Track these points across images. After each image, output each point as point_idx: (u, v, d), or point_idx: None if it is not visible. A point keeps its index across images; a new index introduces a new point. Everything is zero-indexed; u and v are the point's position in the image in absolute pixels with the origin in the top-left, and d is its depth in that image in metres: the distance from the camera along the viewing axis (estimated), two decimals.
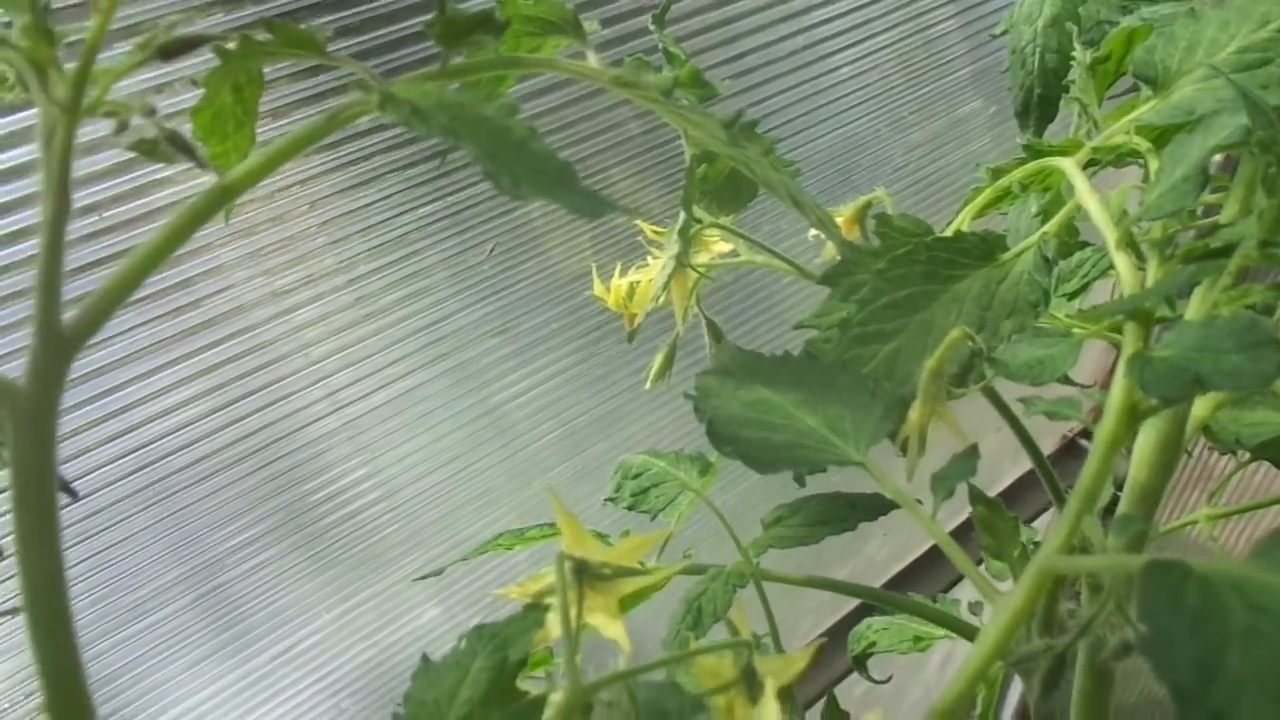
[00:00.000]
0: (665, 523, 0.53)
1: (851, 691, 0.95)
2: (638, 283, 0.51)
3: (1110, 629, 0.32)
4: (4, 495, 0.23)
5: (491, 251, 0.68)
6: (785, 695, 0.31)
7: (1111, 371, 1.17)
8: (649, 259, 0.52)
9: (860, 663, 0.71)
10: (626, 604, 0.34)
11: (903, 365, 0.41)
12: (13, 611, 0.32)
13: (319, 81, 0.59)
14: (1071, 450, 1.34)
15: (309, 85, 0.59)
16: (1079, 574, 0.40)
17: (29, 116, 0.51)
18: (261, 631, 0.74)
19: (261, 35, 0.30)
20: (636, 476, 0.55)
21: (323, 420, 0.70)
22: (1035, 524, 0.71)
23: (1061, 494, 0.51)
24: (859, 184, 0.97)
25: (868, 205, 0.52)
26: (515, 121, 0.25)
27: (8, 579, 0.61)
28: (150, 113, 0.24)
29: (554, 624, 0.30)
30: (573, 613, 0.29)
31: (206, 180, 0.26)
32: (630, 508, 0.54)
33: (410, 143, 0.65)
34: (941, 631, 0.62)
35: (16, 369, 0.23)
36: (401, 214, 0.67)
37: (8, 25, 0.25)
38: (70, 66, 0.24)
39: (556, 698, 0.26)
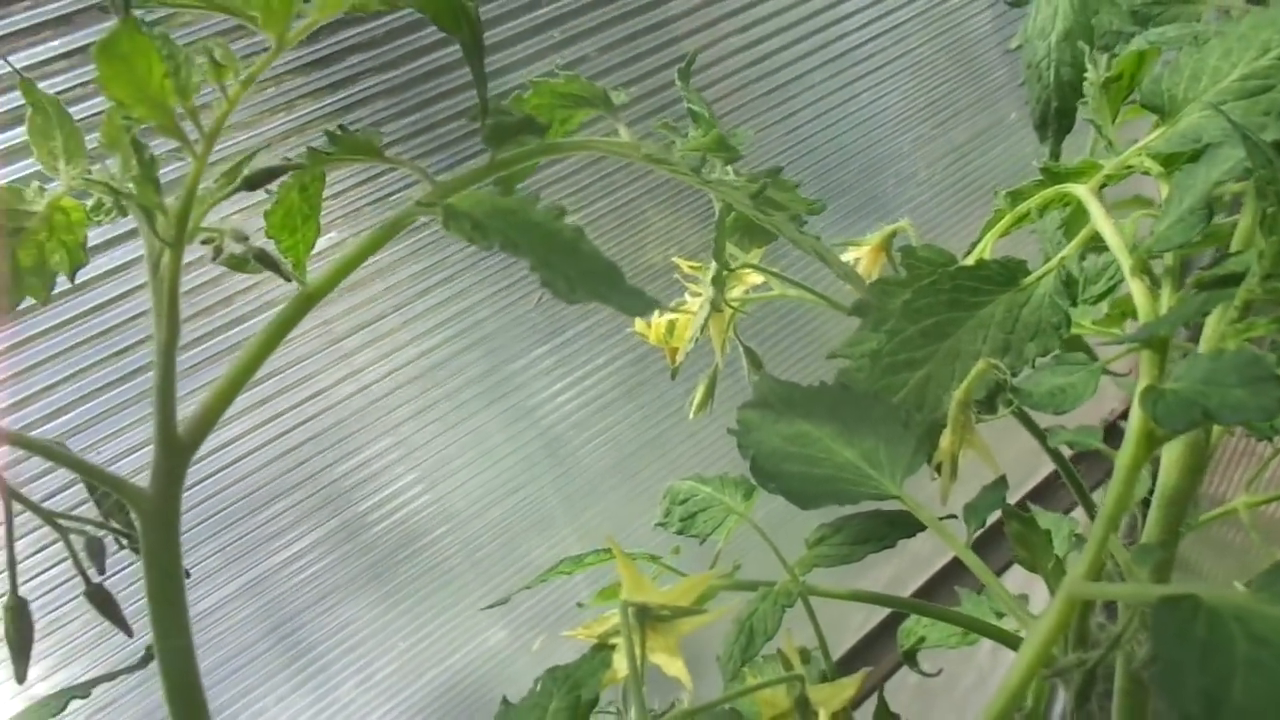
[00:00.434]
0: (714, 543, 0.55)
1: (905, 681, 0.96)
2: (676, 320, 0.54)
3: (1137, 643, 0.34)
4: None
5: (540, 300, 0.71)
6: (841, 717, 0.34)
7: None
8: (686, 295, 0.55)
9: (910, 657, 0.72)
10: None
11: (933, 392, 0.43)
12: (131, 669, 0.35)
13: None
14: (1111, 433, 1.34)
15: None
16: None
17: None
18: (342, 665, 0.78)
19: (324, 145, 0.33)
20: (684, 502, 0.58)
21: (394, 469, 0.75)
22: (1074, 514, 0.73)
23: (1089, 498, 0.52)
24: (902, 175, 0.99)
25: (893, 234, 0.54)
26: (563, 224, 0.27)
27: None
28: (243, 239, 0.27)
29: (620, 664, 0.33)
30: (638, 654, 0.32)
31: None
32: (680, 532, 0.56)
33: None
34: None
35: (124, 466, 0.27)
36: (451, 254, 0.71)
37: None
38: (170, 201, 0.27)
39: None
